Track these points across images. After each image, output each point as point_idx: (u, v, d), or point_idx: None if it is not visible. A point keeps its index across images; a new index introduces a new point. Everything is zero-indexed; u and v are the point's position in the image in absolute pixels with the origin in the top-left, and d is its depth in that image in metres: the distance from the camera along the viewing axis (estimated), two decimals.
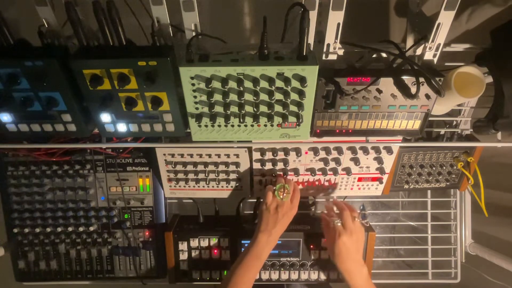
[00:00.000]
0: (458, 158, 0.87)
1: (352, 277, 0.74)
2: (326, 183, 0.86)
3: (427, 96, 0.62)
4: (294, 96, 0.58)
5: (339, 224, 0.76)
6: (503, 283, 0.95)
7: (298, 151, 0.77)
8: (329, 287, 1.00)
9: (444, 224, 1.01)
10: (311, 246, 0.86)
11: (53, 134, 0.66)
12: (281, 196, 0.77)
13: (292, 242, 0.86)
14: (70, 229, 0.88)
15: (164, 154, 0.81)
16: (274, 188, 0.78)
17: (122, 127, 0.65)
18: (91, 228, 0.88)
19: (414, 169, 0.88)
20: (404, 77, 0.60)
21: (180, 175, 0.84)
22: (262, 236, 0.75)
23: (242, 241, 0.86)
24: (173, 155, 0.80)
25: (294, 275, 0.89)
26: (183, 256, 0.88)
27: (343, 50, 0.61)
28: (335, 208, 0.83)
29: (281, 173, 0.83)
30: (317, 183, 0.86)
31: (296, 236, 0.85)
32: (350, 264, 0.75)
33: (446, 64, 0.69)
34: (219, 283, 0.81)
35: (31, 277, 0.91)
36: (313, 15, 0.54)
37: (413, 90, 0.59)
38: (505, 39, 0.61)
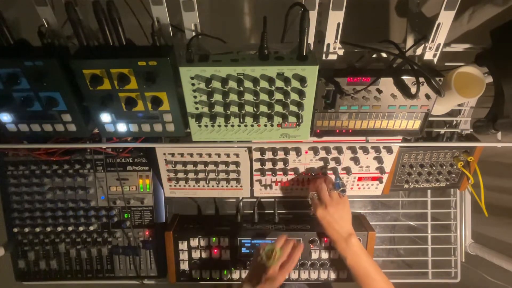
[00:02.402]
0: (458, 157, 0.87)
1: (337, 245, 0.79)
2: None
3: (427, 96, 0.62)
4: (294, 96, 0.58)
5: (316, 197, 0.80)
6: (503, 283, 0.95)
7: (298, 151, 0.77)
8: (330, 287, 1.00)
9: (444, 224, 1.01)
10: (311, 246, 0.86)
11: (53, 134, 0.66)
12: (266, 259, 0.70)
13: None
14: (70, 228, 0.88)
15: (164, 154, 0.81)
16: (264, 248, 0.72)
17: (122, 127, 0.65)
18: (91, 228, 0.88)
19: (414, 168, 0.88)
20: (404, 77, 0.60)
21: (180, 175, 0.84)
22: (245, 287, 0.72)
23: (242, 241, 0.86)
24: (173, 155, 0.80)
25: (294, 275, 0.89)
26: (183, 256, 0.88)
27: (343, 50, 0.61)
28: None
29: (285, 235, 0.77)
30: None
31: (296, 236, 0.85)
32: (331, 234, 0.79)
33: (446, 64, 0.69)
34: (220, 282, 0.81)
35: (31, 276, 0.92)
36: (313, 15, 0.54)
37: (413, 90, 0.59)
38: (505, 39, 0.61)
